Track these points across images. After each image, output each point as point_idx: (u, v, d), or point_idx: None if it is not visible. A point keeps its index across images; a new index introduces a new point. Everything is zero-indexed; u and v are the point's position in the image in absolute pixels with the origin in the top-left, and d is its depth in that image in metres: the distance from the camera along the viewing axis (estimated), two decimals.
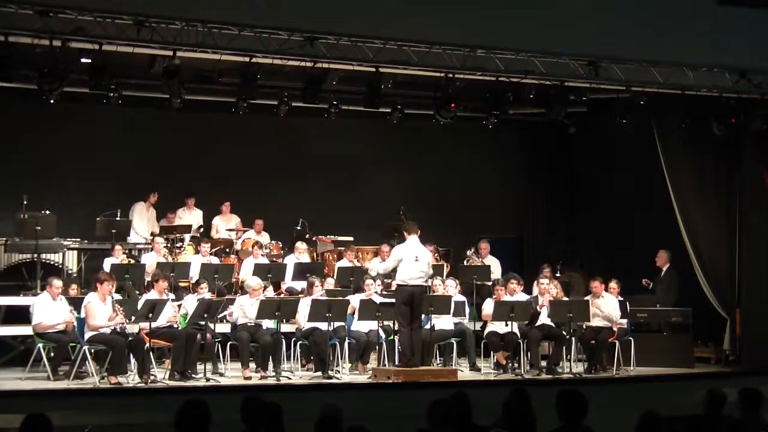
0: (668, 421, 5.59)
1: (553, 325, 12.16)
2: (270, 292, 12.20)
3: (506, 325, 12.00)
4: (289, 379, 11.43)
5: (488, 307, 12.29)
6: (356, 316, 12.01)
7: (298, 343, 12.07)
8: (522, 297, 12.57)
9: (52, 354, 11.14)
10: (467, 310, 12.92)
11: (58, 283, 11.30)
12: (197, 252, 13.72)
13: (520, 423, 5.51)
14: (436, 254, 14.04)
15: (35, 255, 13.04)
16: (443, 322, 12.37)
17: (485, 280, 13.46)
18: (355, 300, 12.18)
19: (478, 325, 12.69)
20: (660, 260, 14.01)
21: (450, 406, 5.78)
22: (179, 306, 11.70)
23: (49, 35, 9.77)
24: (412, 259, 11.30)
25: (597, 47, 11.55)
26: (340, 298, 12.17)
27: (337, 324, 11.77)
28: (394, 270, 11.49)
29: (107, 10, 9.79)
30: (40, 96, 10.53)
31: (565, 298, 13.01)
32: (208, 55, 10.73)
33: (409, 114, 13.82)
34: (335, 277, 13.41)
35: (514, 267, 13.94)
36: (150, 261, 13.05)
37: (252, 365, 11.67)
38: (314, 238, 14.91)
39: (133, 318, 10.74)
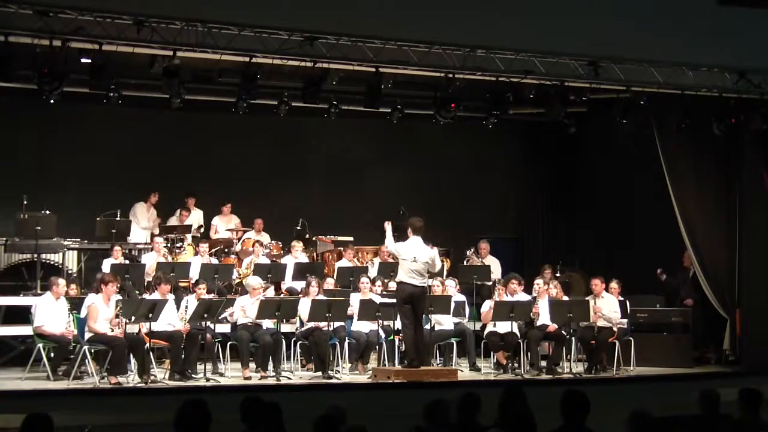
0: (665, 420, 5.59)
1: (552, 325, 12.17)
2: (270, 292, 12.20)
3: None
4: (289, 379, 11.43)
5: (486, 309, 12.29)
6: (356, 316, 12.01)
7: (298, 343, 12.08)
8: (523, 297, 12.57)
9: (52, 354, 11.15)
10: (467, 310, 12.92)
11: (62, 282, 11.29)
12: (197, 253, 13.71)
13: (517, 422, 5.50)
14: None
15: (35, 255, 13.04)
16: (443, 322, 12.37)
17: (485, 280, 13.47)
18: (354, 300, 12.18)
19: (478, 325, 12.69)
20: (686, 261, 14.02)
21: (449, 407, 5.78)
22: (185, 308, 11.70)
23: (49, 35, 9.76)
24: (409, 260, 11.20)
25: (597, 47, 11.55)
26: (341, 298, 12.18)
27: (337, 324, 11.78)
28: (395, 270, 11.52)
29: (107, 10, 9.79)
30: (40, 96, 10.51)
31: (566, 298, 13.01)
32: (208, 55, 10.72)
33: (409, 114, 13.80)
34: (335, 277, 13.41)
35: (514, 267, 13.92)
36: (150, 261, 13.04)
37: (252, 365, 11.67)
38: (314, 238, 14.91)
39: (133, 318, 10.73)
